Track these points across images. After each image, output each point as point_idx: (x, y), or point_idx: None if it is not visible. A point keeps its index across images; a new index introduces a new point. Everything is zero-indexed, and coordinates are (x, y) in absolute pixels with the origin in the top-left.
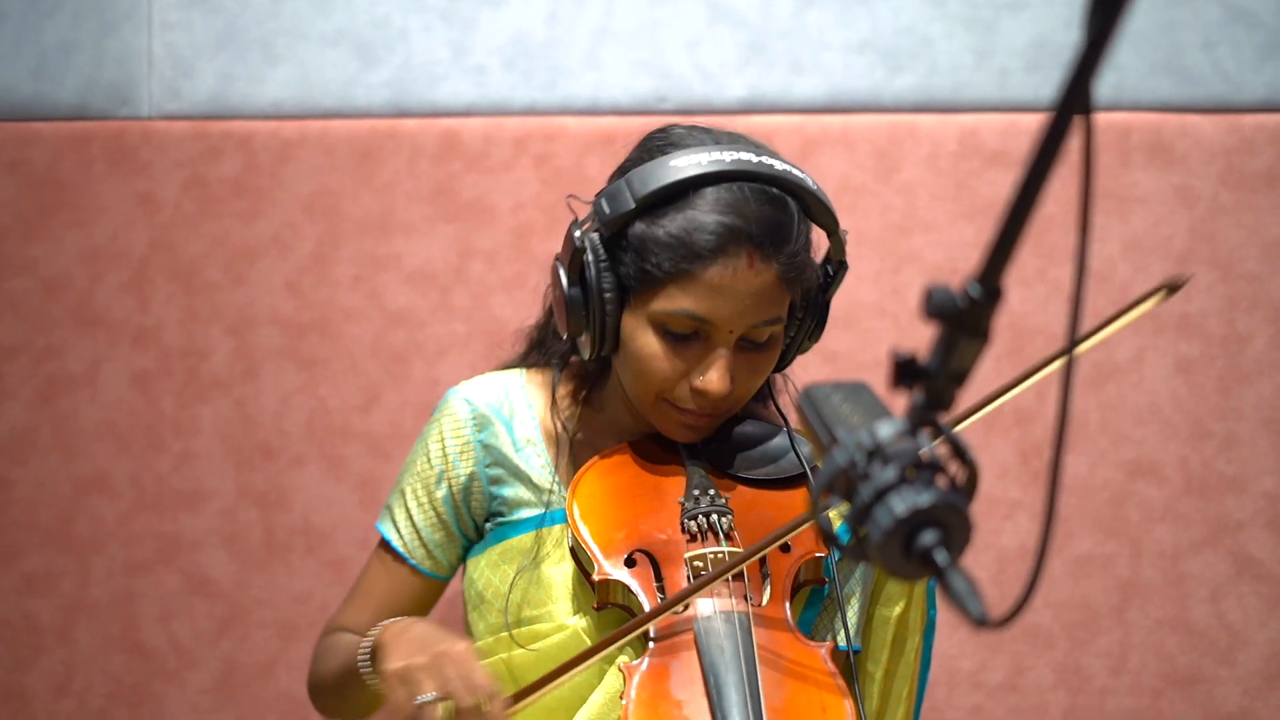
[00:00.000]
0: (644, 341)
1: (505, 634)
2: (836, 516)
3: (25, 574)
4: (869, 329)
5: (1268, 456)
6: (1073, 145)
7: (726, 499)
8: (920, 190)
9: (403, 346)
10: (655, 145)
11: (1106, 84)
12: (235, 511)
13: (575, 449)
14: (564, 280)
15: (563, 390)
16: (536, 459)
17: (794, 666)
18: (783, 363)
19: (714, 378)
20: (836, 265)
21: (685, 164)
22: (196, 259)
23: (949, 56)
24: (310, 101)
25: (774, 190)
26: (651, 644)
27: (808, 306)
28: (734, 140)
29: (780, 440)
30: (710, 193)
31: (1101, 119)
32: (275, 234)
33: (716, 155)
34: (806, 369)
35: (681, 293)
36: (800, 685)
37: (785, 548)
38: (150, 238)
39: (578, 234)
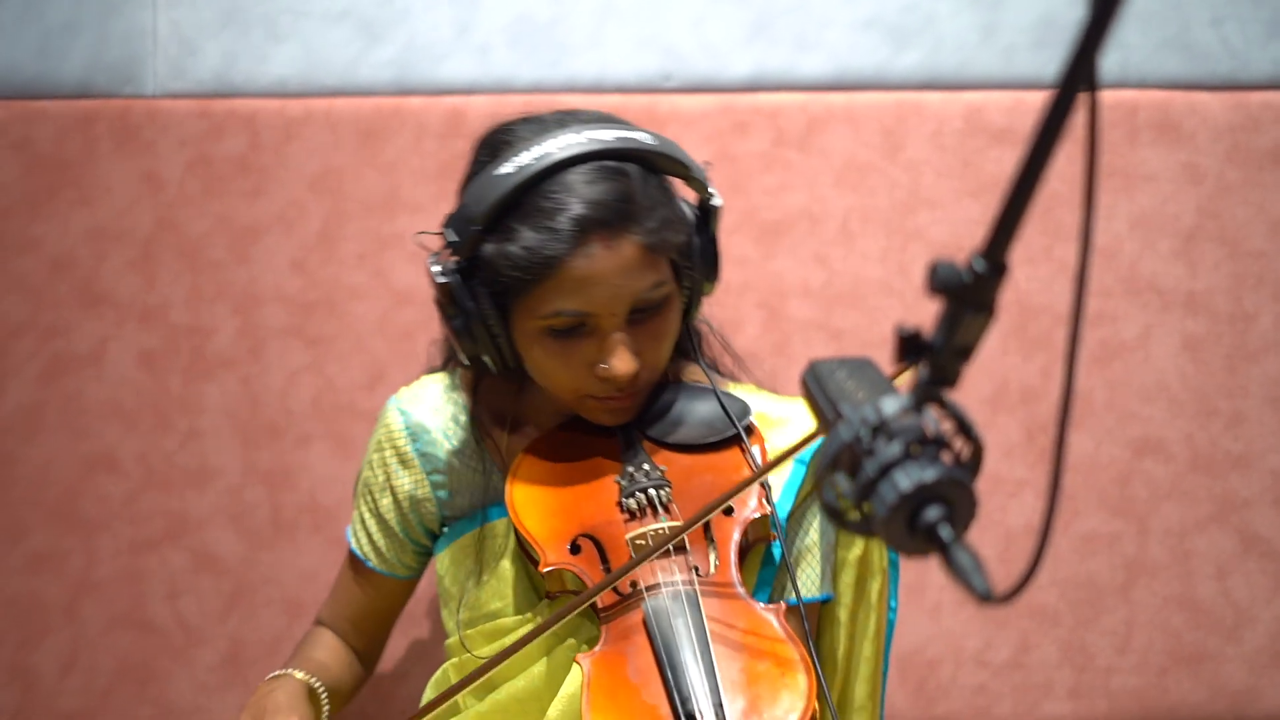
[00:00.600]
0: (537, 351)
1: (468, 631)
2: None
3: (32, 553)
4: (874, 307)
5: (1274, 434)
6: (1079, 122)
7: (663, 471)
8: (925, 168)
9: (409, 324)
10: (483, 156)
11: (1113, 61)
12: (242, 490)
13: (512, 443)
14: (445, 316)
15: (493, 388)
16: (475, 459)
17: (747, 635)
18: (688, 314)
19: (616, 363)
20: (706, 207)
21: (512, 169)
22: (202, 237)
23: (954, 33)
24: (314, 80)
25: (609, 164)
26: (604, 632)
27: (692, 255)
28: (563, 123)
29: (710, 401)
30: (544, 189)
31: (1108, 96)
32: (280, 212)
33: (540, 149)
34: (811, 345)
35: (551, 294)
36: (755, 653)
37: (728, 510)
38: (155, 216)
39: (437, 269)
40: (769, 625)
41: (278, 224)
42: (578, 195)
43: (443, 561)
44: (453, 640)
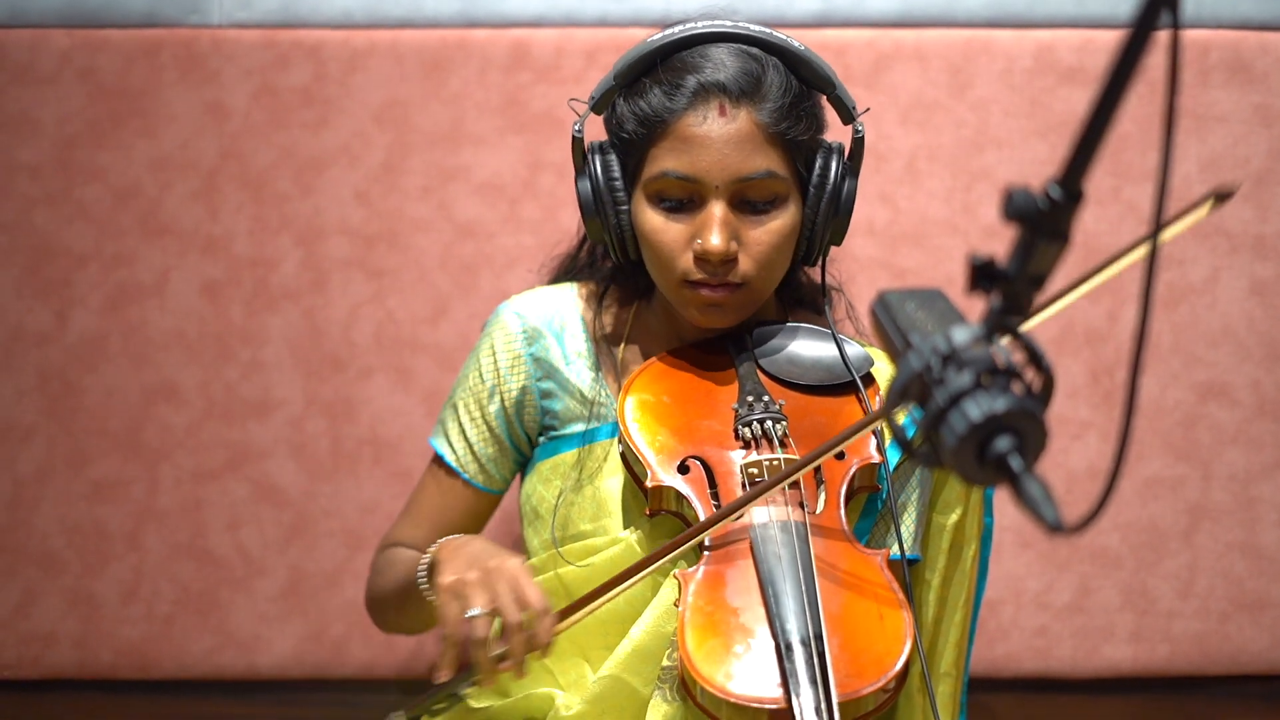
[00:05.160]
0: (646, 219)
1: (562, 548)
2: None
3: (95, 481)
4: (939, 246)
5: None
6: (1153, 62)
7: (780, 405)
8: (993, 106)
9: (471, 258)
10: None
11: (1186, 0)
12: (303, 421)
13: (625, 362)
14: (576, 179)
15: (612, 305)
16: (588, 373)
17: (851, 574)
18: (809, 250)
19: (709, 236)
20: (854, 142)
21: (659, 37)
22: (266, 169)
23: None
24: (380, 11)
25: (753, 49)
26: (707, 552)
27: (822, 185)
28: (719, 18)
29: (830, 347)
30: (682, 56)
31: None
32: (344, 144)
33: (690, 27)
34: (875, 283)
35: (661, 153)
36: (857, 593)
37: (840, 455)
38: (220, 147)
39: (576, 128)
40: (873, 568)
41: (342, 156)
42: (711, 62)
43: (531, 480)
44: (537, 560)
